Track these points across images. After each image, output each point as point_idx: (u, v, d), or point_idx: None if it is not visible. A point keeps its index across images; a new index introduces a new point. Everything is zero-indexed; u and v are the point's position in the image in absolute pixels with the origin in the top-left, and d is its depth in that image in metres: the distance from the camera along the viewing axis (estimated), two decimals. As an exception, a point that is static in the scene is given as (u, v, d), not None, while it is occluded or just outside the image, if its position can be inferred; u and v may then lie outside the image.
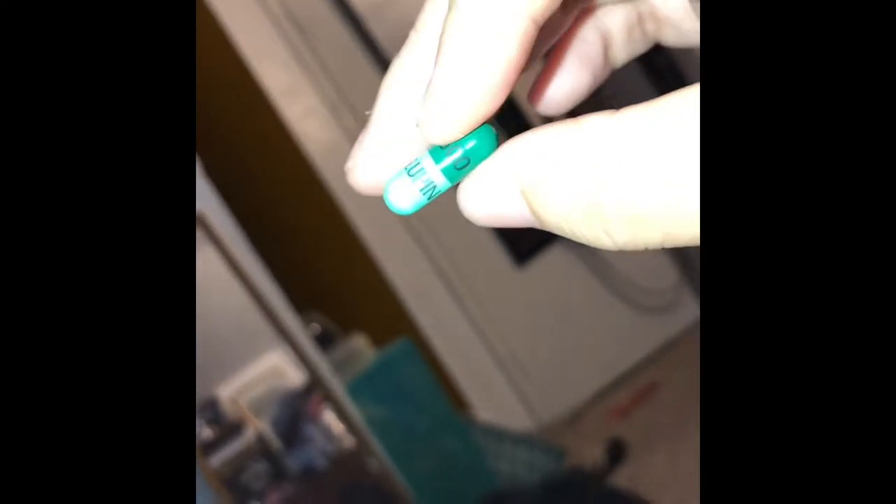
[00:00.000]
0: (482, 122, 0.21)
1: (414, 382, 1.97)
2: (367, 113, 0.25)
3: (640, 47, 0.28)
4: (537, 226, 0.20)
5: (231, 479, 1.43)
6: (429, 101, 0.21)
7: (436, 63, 0.21)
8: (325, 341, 2.01)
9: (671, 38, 0.27)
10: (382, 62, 2.34)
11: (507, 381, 2.39)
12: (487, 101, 0.21)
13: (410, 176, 0.22)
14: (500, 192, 0.20)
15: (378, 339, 2.14)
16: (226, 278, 1.51)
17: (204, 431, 1.45)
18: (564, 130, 0.19)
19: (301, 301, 1.82)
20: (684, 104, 0.18)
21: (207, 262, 1.50)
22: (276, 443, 1.51)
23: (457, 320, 2.37)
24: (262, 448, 1.50)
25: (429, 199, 0.22)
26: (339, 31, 2.35)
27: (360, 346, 2.09)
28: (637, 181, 0.18)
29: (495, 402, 2.36)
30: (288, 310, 1.59)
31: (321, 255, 2.54)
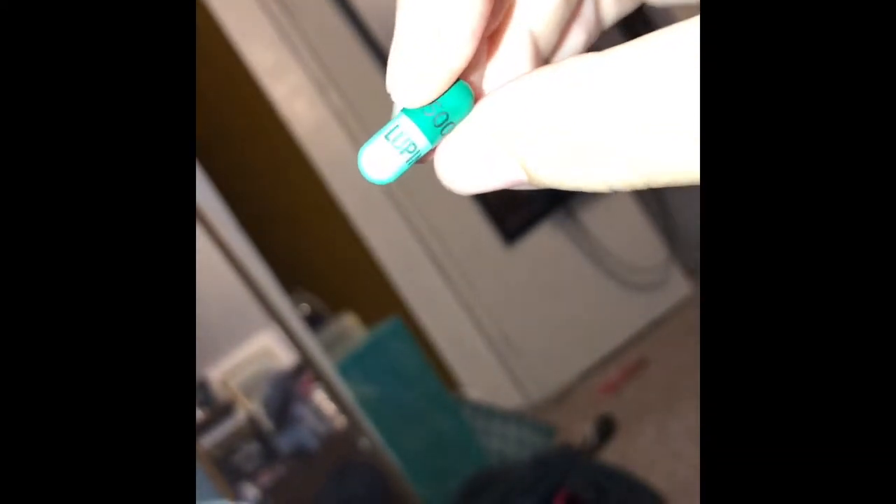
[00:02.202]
0: (455, 79, 0.19)
1: (404, 361, 1.97)
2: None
3: (629, 6, 0.27)
4: (523, 182, 0.19)
5: (222, 461, 1.44)
6: (395, 63, 0.19)
7: (397, 20, 0.19)
8: (314, 321, 2.01)
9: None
10: (369, 41, 2.32)
11: (497, 360, 2.40)
12: (458, 56, 0.19)
13: (388, 140, 0.20)
14: (482, 150, 0.19)
15: (368, 319, 2.14)
16: (214, 260, 1.50)
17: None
18: (542, 74, 0.18)
19: (290, 281, 1.82)
20: (676, 41, 0.17)
21: (196, 244, 1.49)
22: (267, 423, 1.51)
23: (446, 299, 2.38)
24: (253, 429, 1.50)
25: (409, 164, 0.20)
26: (325, 10, 2.34)
27: (349, 325, 2.09)
28: (627, 125, 0.17)
29: (485, 380, 2.37)
30: (277, 290, 1.59)
31: (310, 236, 2.53)
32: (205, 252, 1.50)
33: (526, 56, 0.23)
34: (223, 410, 1.49)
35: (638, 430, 1.89)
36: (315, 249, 2.53)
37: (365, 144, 0.21)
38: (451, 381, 2.35)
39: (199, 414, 1.46)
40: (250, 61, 2.31)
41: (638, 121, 0.17)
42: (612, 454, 1.87)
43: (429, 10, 0.18)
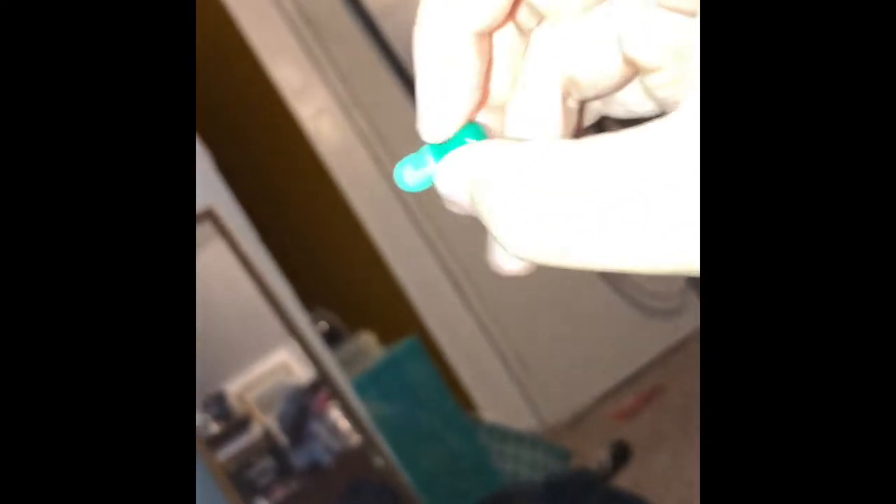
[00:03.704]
0: (464, 120, 0.25)
1: (420, 381, 1.97)
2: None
3: (588, 121, 0.29)
4: (476, 215, 0.23)
5: (237, 475, 1.44)
6: (419, 112, 0.25)
7: (416, 80, 0.24)
8: (332, 339, 2.02)
9: (617, 112, 0.29)
10: (394, 62, 2.34)
11: (513, 382, 2.39)
12: (461, 105, 0.24)
13: (415, 161, 0.26)
14: (455, 181, 0.23)
15: (385, 338, 2.14)
16: (236, 274, 1.52)
17: (211, 426, 1.46)
18: (511, 144, 0.22)
19: (310, 298, 1.83)
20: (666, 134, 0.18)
21: (217, 258, 1.51)
22: (282, 439, 1.52)
23: (464, 320, 2.38)
24: (268, 444, 1.50)
25: (428, 180, 0.26)
26: (351, 31, 2.36)
27: (367, 344, 2.09)
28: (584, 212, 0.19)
29: (501, 402, 2.37)
30: (297, 307, 1.60)
31: (331, 253, 2.54)
32: (226, 266, 1.51)
33: (552, 93, 0.26)
34: (239, 424, 1.49)
35: (653, 456, 1.88)
36: (335, 267, 2.54)
37: (401, 162, 0.26)
38: (466, 401, 2.34)
39: (215, 427, 1.47)
40: (277, 81, 2.33)
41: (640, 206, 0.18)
42: (626, 480, 1.86)
43: (436, 79, 0.24)
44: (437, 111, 0.24)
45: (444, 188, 0.24)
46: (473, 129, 0.25)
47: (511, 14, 0.25)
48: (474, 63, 0.24)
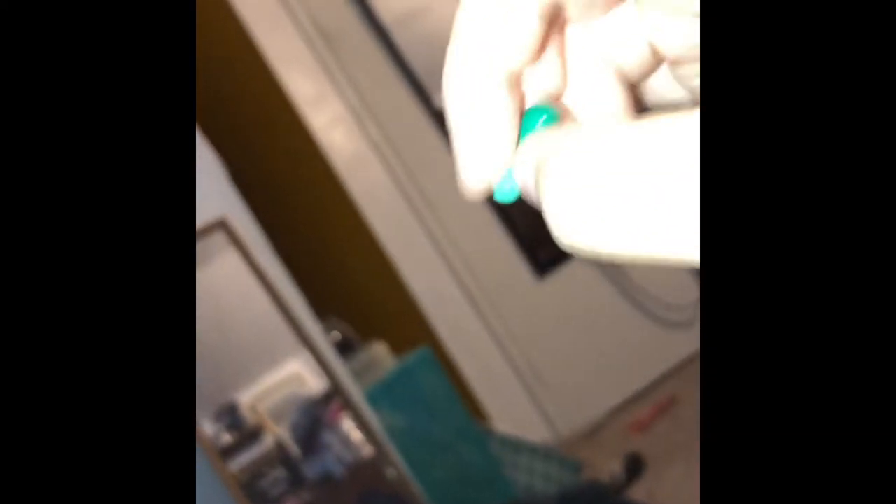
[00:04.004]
0: (507, 165, 0.24)
1: (432, 392, 1.97)
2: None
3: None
4: (534, 200, 0.22)
5: (249, 485, 1.44)
6: (458, 158, 0.24)
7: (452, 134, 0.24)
8: (345, 349, 2.02)
9: (649, 98, 0.29)
10: (408, 73, 2.35)
11: (526, 393, 2.39)
12: (502, 151, 0.24)
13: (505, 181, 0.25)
14: (524, 171, 0.23)
15: (398, 348, 2.14)
16: (248, 284, 1.52)
17: (223, 437, 1.46)
18: (570, 129, 0.22)
19: (322, 308, 1.83)
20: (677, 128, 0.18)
21: (230, 268, 1.51)
22: (294, 449, 1.52)
23: (476, 331, 2.38)
24: (280, 455, 1.50)
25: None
26: (365, 42, 2.37)
27: (379, 354, 2.09)
28: (616, 192, 0.19)
29: (513, 414, 2.36)
30: (309, 317, 1.60)
31: (343, 263, 2.55)
32: (239, 276, 1.52)
33: (609, 76, 0.27)
34: (251, 435, 1.49)
35: (666, 468, 1.87)
36: (347, 277, 2.54)
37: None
38: (479, 412, 2.34)
39: (228, 438, 1.47)
40: (291, 92, 2.34)
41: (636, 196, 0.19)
42: (639, 492, 1.85)
43: (472, 129, 0.24)
44: (478, 162, 0.24)
45: (518, 180, 0.23)
46: (547, 112, 0.24)
47: (541, 49, 0.25)
48: (509, 106, 0.23)
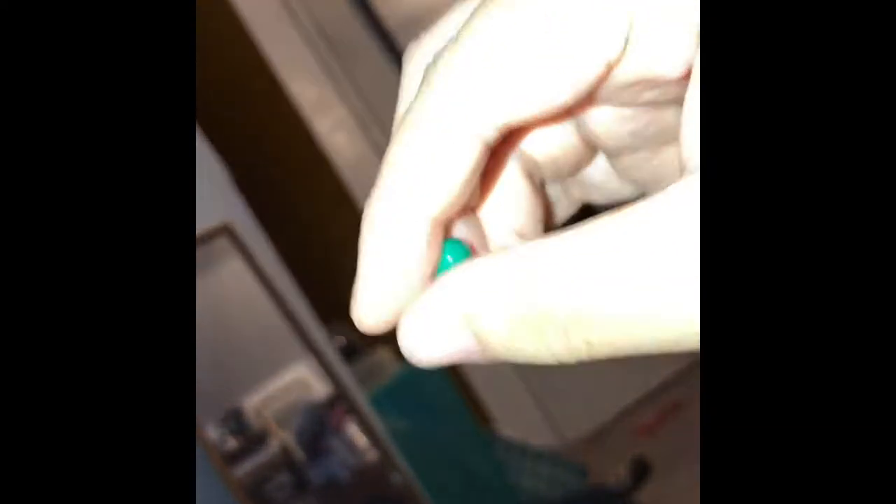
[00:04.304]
0: (401, 312, 0.22)
1: (437, 396, 1.97)
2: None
3: (571, 210, 0.28)
4: (480, 357, 0.21)
5: (254, 490, 1.44)
6: (355, 289, 0.23)
7: (359, 259, 0.23)
8: (350, 354, 2.02)
9: (597, 197, 0.28)
10: (411, 77, 2.35)
11: (531, 397, 2.38)
12: (402, 299, 0.22)
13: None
14: (444, 325, 0.21)
15: (402, 353, 2.14)
16: (252, 289, 1.52)
17: (228, 442, 1.46)
18: (493, 258, 0.20)
19: (327, 313, 1.83)
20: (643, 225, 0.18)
21: (234, 273, 1.51)
22: (299, 454, 1.51)
23: (481, 335, 2.37)
24: (285, 459, 1.50)
25: None
26: (368, 47, 2.37)
27: (384, 359, 2.09)
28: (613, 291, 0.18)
29: (519, 418, 2.35)
30: (313, 321, 1.60)
31: (347, 268, 2.54)
32: (243, 282, 1.52)
33: (515, 178, 0.25)
34: (256, 440, 1.49)
35: (673, 473, 1.87)
36: (351, 282, 2.54)
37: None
38: (484, 417, 2.33)
39: (233, 443, 1.47)
40: (294, 96, 2.35)
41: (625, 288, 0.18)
42: (645, 497, 1.84)
43: (379, 266, 0.23)
44: (375, 298, 0.23)
45: (425, 332, 0.21)
46: (455, 248, 0.23)
47: (473, 202, 0.24)
48: (423, 254, 0.22)
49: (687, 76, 0.20)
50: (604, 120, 0.24)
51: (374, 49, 2.37)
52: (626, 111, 0.23)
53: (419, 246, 0.22)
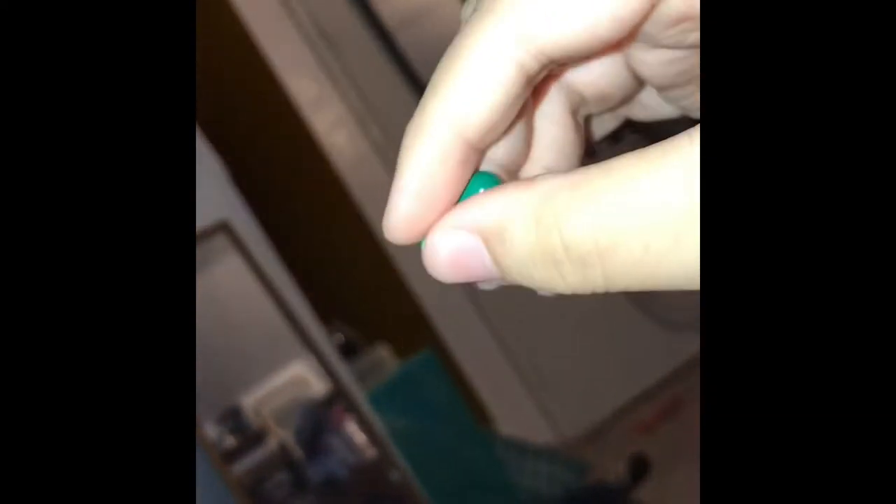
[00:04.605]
0: (431, 227, 0.23)
1: (436, 394, 1.97)
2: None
3: (615, 124, 0.29)
4: (495, 275, 0.21)
5: (253, 488, 1.44)
6: (390, 200, 0.23)
7: (395, 176, 0.23)
8: (348, 352, 2.02)
9: (640, 115, 0.29)
10: (410, 75, 2.35)
11: (530, 395, 2.38)
12: (433, 214, 0.23)
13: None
14: (462, 242, 0.22)
15: (401, 351, 2.14)
16: (251, 287, 1.52)
17: (227, 440, 1.46)
18: (520, 186, 0.21)
19: (325, 311, 1.83)
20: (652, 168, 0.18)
21: (233, 271, 1.51)
22: (298, 452, 1.51)
23: (480, 333, 2.37)
24: (284, 458, 1.50)
25: None
26: (367, 45, 2.37)
27: (383, 357, 2.09)
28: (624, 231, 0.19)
29: (517, 416, 2.36)
30: (312, 320, 1.59)
31: (346, 266, 2.55)
32: (242, 280, 1.51)
33: (560, 117, 0.26)
34: (255, 438, 1.49)
35: (672, 470, 1.87)
36: (350, 280, 2.54)
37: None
38: (483, 415, 2.33)
39: (231, 441, 1.47)
40: (293, 94, 2.34)
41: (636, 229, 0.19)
42: (645, 494, 1.84)
43: (416, 179, 0.23)
44: (404, 212, 0.23)
45: (447, 246, 0.22)
46: (487, 179, 0.23)
47: (508, 127, 0.24)
48: (455, 175, 0.23)
49: None
50: (651, 62, 0.24)
51: (373, 47, 2.37)
52: (674, 53, 0.24)
53: (451, 166, 0.22)
